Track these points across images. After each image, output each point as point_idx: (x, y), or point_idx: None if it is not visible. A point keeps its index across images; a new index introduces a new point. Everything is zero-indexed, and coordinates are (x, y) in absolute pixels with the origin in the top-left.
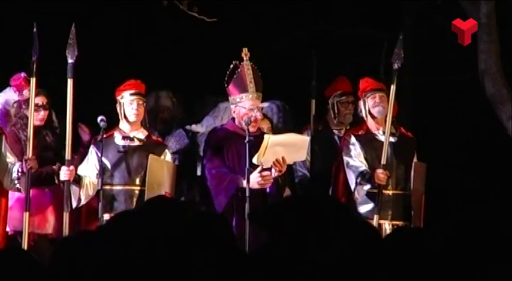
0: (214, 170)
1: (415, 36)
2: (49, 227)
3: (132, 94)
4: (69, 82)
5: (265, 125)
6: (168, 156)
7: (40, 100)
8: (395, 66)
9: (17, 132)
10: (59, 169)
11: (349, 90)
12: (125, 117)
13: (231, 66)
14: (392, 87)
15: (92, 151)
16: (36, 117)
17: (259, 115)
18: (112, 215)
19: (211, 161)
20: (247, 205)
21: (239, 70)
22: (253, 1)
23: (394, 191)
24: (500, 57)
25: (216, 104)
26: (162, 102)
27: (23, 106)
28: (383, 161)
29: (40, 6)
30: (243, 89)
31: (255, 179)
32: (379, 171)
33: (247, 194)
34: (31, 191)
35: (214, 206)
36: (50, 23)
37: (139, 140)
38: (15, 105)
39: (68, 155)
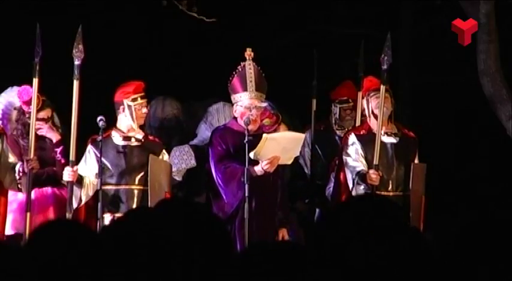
0: (224, 166)
1: (414, 36)
2: None
3: (142, 97)
4: (75, 83)
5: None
6: (165, 156)
7: (46, 114)
8: (385, 66)
9: (16, 138)
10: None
11: (354, 97)
12: (132, 119)
13: (238, 66)
14: (382, 88)
15: (90, 150)
16: (39, 131)
17: (254, 115)
18: (113, 215)
19: (219, 159)
20: (246, 205)
21: (240, 69)
22: (253, 1)
23: (395, 193)
24: (500, 58)
25: (205, 109)
26: (167, 110)
27: (27, 115)
28: (375, 161)
29: (44, 7)
30: (243, 87)
31: (261, 165)
32: (371, 171)
33: (246, 194)
34: (34, 192)
35: (224, 203)
36: (53, 24)
37: (137, 140)
38: (17, 109)
39: (71, 155)
